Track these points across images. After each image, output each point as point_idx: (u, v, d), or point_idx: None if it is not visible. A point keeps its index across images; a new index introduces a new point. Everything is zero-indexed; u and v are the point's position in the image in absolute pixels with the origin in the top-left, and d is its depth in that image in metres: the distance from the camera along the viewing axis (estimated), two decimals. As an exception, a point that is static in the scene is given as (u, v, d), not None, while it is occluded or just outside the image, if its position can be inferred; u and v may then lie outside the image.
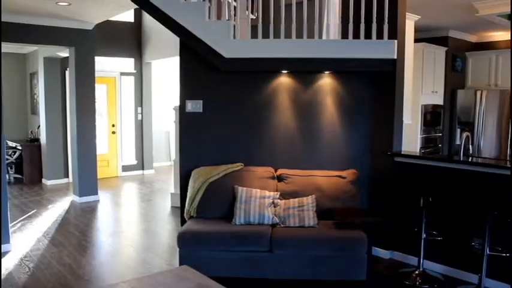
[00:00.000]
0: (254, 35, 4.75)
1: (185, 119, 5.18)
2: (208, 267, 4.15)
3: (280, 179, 4.92)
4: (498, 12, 6.17)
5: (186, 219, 4.80)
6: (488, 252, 4.15)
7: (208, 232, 4.28)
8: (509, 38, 8.57)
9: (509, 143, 7.80)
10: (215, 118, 5.13)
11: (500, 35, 8.67)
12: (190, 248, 4.25)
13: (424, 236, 4.58)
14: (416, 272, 4.62)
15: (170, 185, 8.84)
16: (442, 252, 4.72)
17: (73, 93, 7.69)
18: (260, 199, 4.55)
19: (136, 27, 10.55)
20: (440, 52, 8.14)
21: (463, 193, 4.49)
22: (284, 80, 5.09)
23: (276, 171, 4.99)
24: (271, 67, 4.80)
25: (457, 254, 4.61)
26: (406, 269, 4.76)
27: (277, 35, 4.69)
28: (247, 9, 5.51)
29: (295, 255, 4.20)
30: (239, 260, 4.22)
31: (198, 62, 4.99)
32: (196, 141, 5.16)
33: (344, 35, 4.77)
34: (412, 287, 4.44)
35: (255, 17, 5.66)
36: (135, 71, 10.54)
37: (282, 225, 4.43)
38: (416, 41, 7.89)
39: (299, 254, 4.20)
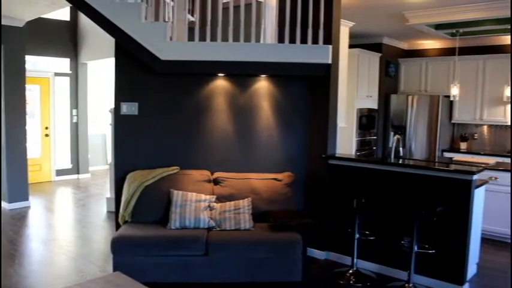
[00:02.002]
0: (191, 37, 4.72)
1: (120, 122, 5.06)
2: (144, 273, 4.09)
3: (216, 182, 4.91)
4: (426, 22, 6.48)
5: (121, 224, 4.69)
6: (416, 250, 4.33)
7: (142, 237, 4.20)
8: (441, 47, 9.03)
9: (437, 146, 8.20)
10: (151, 121, 5.05)
11: (430, 44, 9.10)
12: (125, 254, 4.15)
13: (357, 236, 4.72)
14: (350, 272, 4.74)
15: (106, 189, 8.60)
16: (374, 252, 4.87)
17: (1, 94, 7.32)
18: (196, 203, 4.52)
19: (72, 26, 10.21)
20: (374, 58, 8.43)
21: (393, 194, 4.65)
22: (221, 83, 5.09)
23: (212, 174, 4.98)
24: (208, 70, 4.78)
25: (389, 253, 4.78)
26: (341, 269, 4.87)
27: (214, 38, 4.68)
28: (187, 11, 5.46)
29: (231, 258, 4.20)
30: (175, 264, 4.17)
31: (134, 64, 4.90)
32: (132, 144, 5.05)
33: (280, 39, 4.84)
34: (347, 286, 4.55)
35: (194, 19, 5.62)
36: (70, 72, 10.19)
37: (218, 229, 4.42)
38: (352, 46, 8.13)
39: (235, 257, 4.20)
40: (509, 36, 7.52)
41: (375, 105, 8.51)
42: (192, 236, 4.20)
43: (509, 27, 6.61)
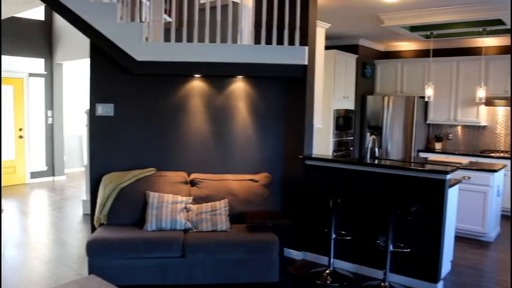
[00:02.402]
0: (167, 38, 4.69)
1: (95, 123, 5.00)
2: (120, 275, 4.06)
3: (193, 183, 4.89)
4: (401, 24, 6.56)
5: (96, 226, 4.63)
6: (391, 249, 4.38)
7: (118, 239, 4.15)
8: (416, 49, 9.16)
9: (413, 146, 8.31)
10: (127, 122, 5.01)
11: (405, 45, 9.22)
12: (100, 257, 4.10)
13: (333, 236, 4.76)
14: (327, 271, 4.78)
15: (82, 191, 8.50)
16: (351, 251, 4.92)
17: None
18: (172, 204, 4.50)
19: (47, 25, 10.05)
20: (351, 59, 8.50)
21: (369, 194, 4.70)
22: (197, 84, 5.08)
23: (189, 175, 4.96)
24: (184, 71, 4.75)
25: (365, 252, 4.83)
26: (318, 269, 4.90)
27: (190, 39, 4.67)
28: (163, 12, 5.42)
29: (208, 260, 4.19)
30: (151, 267, 4.14)
31: (110, 64, 4.85)
32: (107, 145, 5.00)
33: (257, 40, 4.85)
34: (323, 286, 4.58)
35: (171, 20, 5.59)
36: (45, 72, 10.03)
37: (195, 230, 4.41)
38: (328, 48, 8.20)
39: (212, 258, 4.19)
40: (481, 39, 7.68)
41: (351, 106, 8.59)
42: (169, 238, 4.18)
43: (480, 30, 6.74)
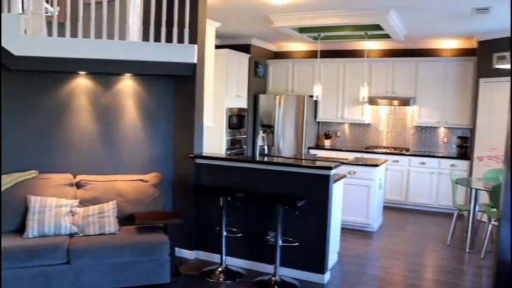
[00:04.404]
0: (50, 32, 4.43)
1: (-33, 123, 4.59)
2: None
3: (79, 185, 4.66)
4: (290, 25, 6.77)
5: (-30, 235, 4.26)
6: (280, 243, 4.52)
7: (-6, 248, 3.85)
8: (306, 50, 9.50)
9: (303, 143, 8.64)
10: (6, 122, 4.63)
11: (296, 46, 9.55)
12: (-26, 268, 3.78)
13: (225, 234, 4.80)
14: (220, 269, 4.81)
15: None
16: (242, 248, 4.99)
17: None
18: (56, 208, 4.26)
19: None
20: (243, 59, 8.62)
21: (259, 191, 4.79)
22: (83, 82, 4.85)
23: (74, 177, 4.72)
24: (68, 68, 4.52)
25: (256, 248, 4.93)
26: (210, 267, 4.91)
27: (74, 34, 4.45)
28: (45, 4, 5.11)
29: (95, 265, 4.03)
30: (33, 276, 3.88)
31: (-16, 59, 4.47)
32: (-18, 147, 4.61)
33: (145, 37, 4.74)
34: (216, 284, 4.60)
35: (52, 13, 5.29)
36: None
37: (81, 234, 4.22)
38: (221, 47, 8.27)
39: (99, 262, 4.04)
40: (364, 42, 8.16)
41: (244, 105, 8.71)
42: (52, 244, 3.95)
43: (363, 33, 7.16)
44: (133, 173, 4.94)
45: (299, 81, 9.29)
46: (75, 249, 3.97)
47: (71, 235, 4.19)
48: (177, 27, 4.69)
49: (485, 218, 6.31)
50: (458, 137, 8.30)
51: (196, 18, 4.99)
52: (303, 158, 7.68)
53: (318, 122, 9.45)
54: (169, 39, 4.72)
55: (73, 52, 4.40)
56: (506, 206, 3.57)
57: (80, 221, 4.29)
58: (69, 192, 4.55)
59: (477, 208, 5.90)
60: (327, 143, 9.25)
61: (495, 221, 5.26)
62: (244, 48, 8.79)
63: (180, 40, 4.75)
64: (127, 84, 5.00)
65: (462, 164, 7.89)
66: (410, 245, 6.10)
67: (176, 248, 4.89)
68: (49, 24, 4.58)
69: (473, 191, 5.85)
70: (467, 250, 5.82)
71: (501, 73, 6.81)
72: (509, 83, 6.64)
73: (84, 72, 4.75)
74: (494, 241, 4.81)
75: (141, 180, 4.79)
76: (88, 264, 4.01)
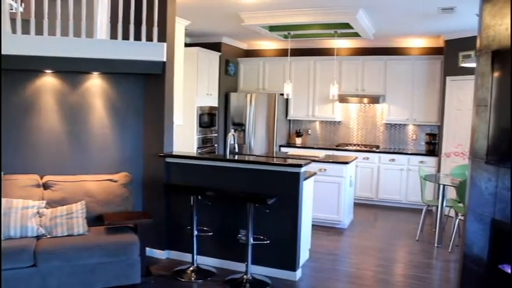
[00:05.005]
0: (14, 29, 4.31)
1: None
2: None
3: (46, 186, 4.56)
4: (260, 24, 6.77)
5: None
6: (252, 242, 4.52)
7: (-44, 252, 3.74)
8: (277, 48, 9.53)
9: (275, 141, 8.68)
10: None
11: (267, 44, 9.57)
12: None
13: (196, 233, 4.78)
14: (191, 269, 4.80)
15: None
16: (214, 247, 4.98)
17: None
18: (22, 210, 4.15)
19: None
20: (214, 57, 8.59)
21: (230, 189, 4.78)
22: (49, 80, 4.75)
23: (41, 178, 4.61)
24: (33, 66, 4.42)
25: (227, 247, 4.93)
26: (182, 267, 4.88)
27: (40, 31, 4.34)
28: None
29: (64, 267, 3.94)
30: (-2, 280, 3.79)
31: None
32: None
33: (113, 35, 4.67)
34: (188, 283, 4.58)
35: (15, 10, 5.16)
36: None
37: (49, 236, 4.13)
38: (191, 45, 8.22)
39: (68, 264, 3.95)
40: (334, 41, 8.23)
41: (215, 103, 8.68)
42: (17, 247, 3.85)
43: (332, 32, 7.22)
44: (102, 172, 4.86)
45: (270, 79, 9.31)
46: (42, 252, 3.88)
47: (38, 237, 4.10)
48: (146, 25, 4.62)
49: (452, 213, 6.44)
50: (427, 134, 8.45)
51: (165, 16, 4.94)
52: (274, 156, 7.72)
53: (289, 120, 9.50)
54: (138, 37, 4.65)
55: (39, 50, 4.30)
56: (472, 201, 3.67)
57: (47, 222, 4.20)
58: (36, 193, 4.45)
59: (445, 203, 6.02)
60: (298, 141, 9.30)
61: (462, 215, 5.38)
62: (215, 46, 8.76)
63: (149, 38, 4.69)
64: (95, 83, 4.91)
65: (430, 161, 8.05)
66: (380, 240, 6.19)
67: (147, 248, 4.85)
68: (13, 21, 4.46)
69: (441, 186, 5.98)
70: (435, 244, 5.94)
71: (467, 71, 6.96)
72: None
73: (50, 71, 4.65)
74: (460, 235, 4.92)
75: (110, 180, 4.73)
76: (56, 266, 3.92)
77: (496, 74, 3.41)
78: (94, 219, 4.43)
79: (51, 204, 4.42)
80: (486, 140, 3.46)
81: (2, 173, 4.48)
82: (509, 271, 3.30)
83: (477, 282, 3.54)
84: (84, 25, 4.45)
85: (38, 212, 4.25)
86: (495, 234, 3.38)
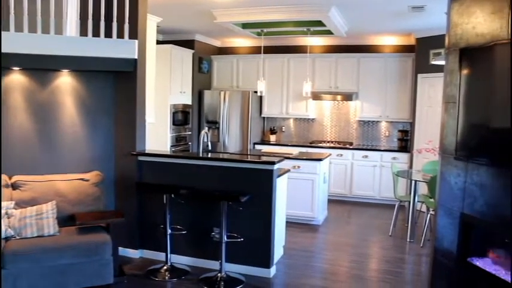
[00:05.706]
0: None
1: None
2: None
3: (15, 186, 4.45)
4: (233, 21, 6.75)
5: None
6: (225, 240, 4.51)
7: None
8: (250, 45, 9.52)
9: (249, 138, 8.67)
10: None
11: (240, 42, 9.55)
12: None
13: (169, 231, 4.75)
14: (165, 268, 4.77)
15: None
16: (187, 245, 4.95)
17: None
18: (-10, 211, 4.06)
19: None
20: (187, 54, 8.53)
21: (204, 187, 4.76)
22: (17, 78, 4.63)
23: (10, 178, 4.50)
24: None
25: (201, 245, 4.90)
26: (155, 266, 4.84)
27: (6, 28, 4.23)
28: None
29: (33, 269, 3.86)
30: (-35, 283, 3.69)
31: None
32: None
33: (83, 32, 4.59)
34: (162, 282, 4.55)
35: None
36: None
37: (18, 237, 4.03)
38: (164, 42, 8.14)
39: (38, 266, 3.87)
40: (307, 38, 8.26)
41: (189, 101, 8.62)
42: (-16, 249, 3.76)
43: (305, 29, 7.24)
44: (73, 172, 4.78)
45: (244, 77, 9.30)
46: (11, 254, 3.79)
47: (6, 239, 4.00)
48: (116, 22, 4.56)
49: (424, 208, 6.55)
50: (399, 131, 8.57)
51: (136, 12, 4.88)
52: (249, 153, 7.71)
53: (263, 118, 9.50)
54: (108, 34, 4.58)
55: (5, 47, 4.18)
56: (442, 196, 3.73)
57: (16, 223, 4.10)
58: (4, 194, 4.34)
59: (417, 199, 6.12)
60: (273, 138, 9.31)
61: (433, 210, 5.47)
62: (188, 43, 8.70)
63: (120, 35, 4.62)
64: (65, 81, 4.82)
65: (403, 157, 8.16)
66: (354, 236, 6.26)
67: (120, 248, 4.79)
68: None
69: (413, 182, 6.07)
70: (408, 239, 6.04)
71: (437, 69, 7.06)
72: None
73: (17, 68, 4.54)
74: (431, 230, 5.01)
75: (81, 179, 4.65)
76: (25, 268, 3.83)
77: (464, 72, 3.47)
78: (65, 220, 4.35)
79: (21, 204, 4.32)
80: (455, 136, 3.52)
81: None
82: (478, 264, 3.37)
83: (447, 275, 3.60)
84: (53, 21, 4.35)
85: (6, 213, 4.15)
86: (464, 228, 3.44)
